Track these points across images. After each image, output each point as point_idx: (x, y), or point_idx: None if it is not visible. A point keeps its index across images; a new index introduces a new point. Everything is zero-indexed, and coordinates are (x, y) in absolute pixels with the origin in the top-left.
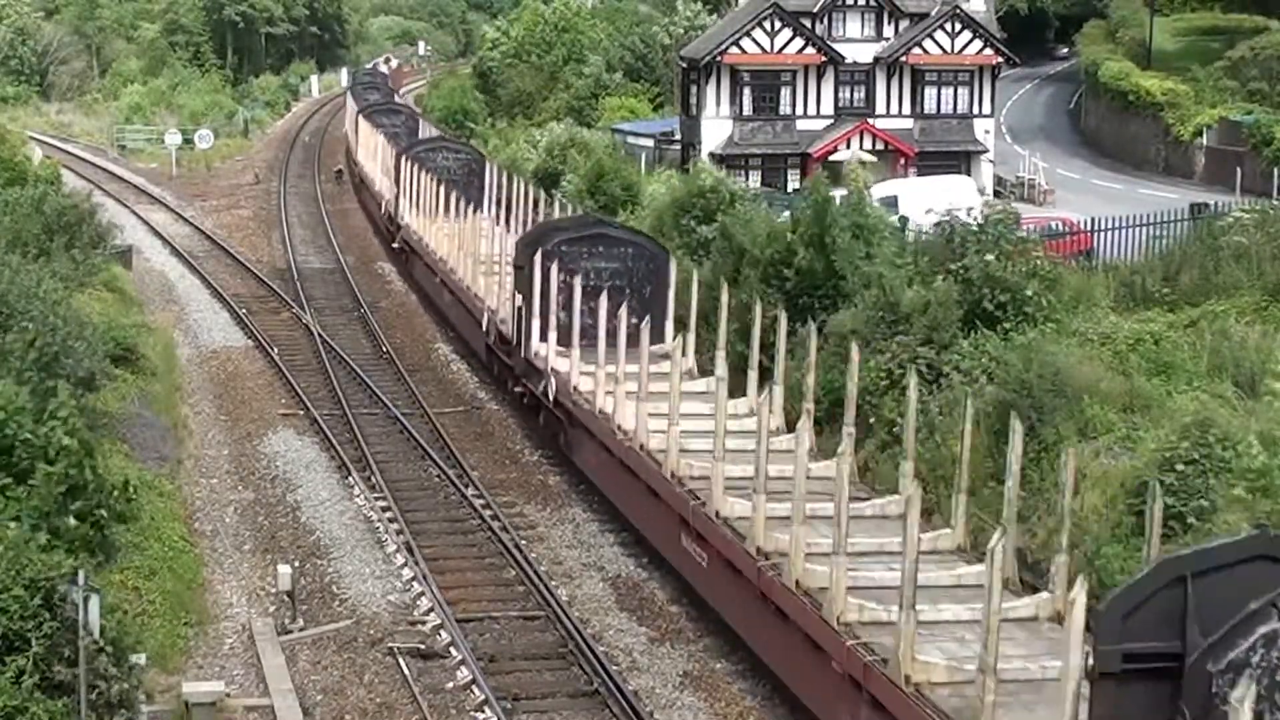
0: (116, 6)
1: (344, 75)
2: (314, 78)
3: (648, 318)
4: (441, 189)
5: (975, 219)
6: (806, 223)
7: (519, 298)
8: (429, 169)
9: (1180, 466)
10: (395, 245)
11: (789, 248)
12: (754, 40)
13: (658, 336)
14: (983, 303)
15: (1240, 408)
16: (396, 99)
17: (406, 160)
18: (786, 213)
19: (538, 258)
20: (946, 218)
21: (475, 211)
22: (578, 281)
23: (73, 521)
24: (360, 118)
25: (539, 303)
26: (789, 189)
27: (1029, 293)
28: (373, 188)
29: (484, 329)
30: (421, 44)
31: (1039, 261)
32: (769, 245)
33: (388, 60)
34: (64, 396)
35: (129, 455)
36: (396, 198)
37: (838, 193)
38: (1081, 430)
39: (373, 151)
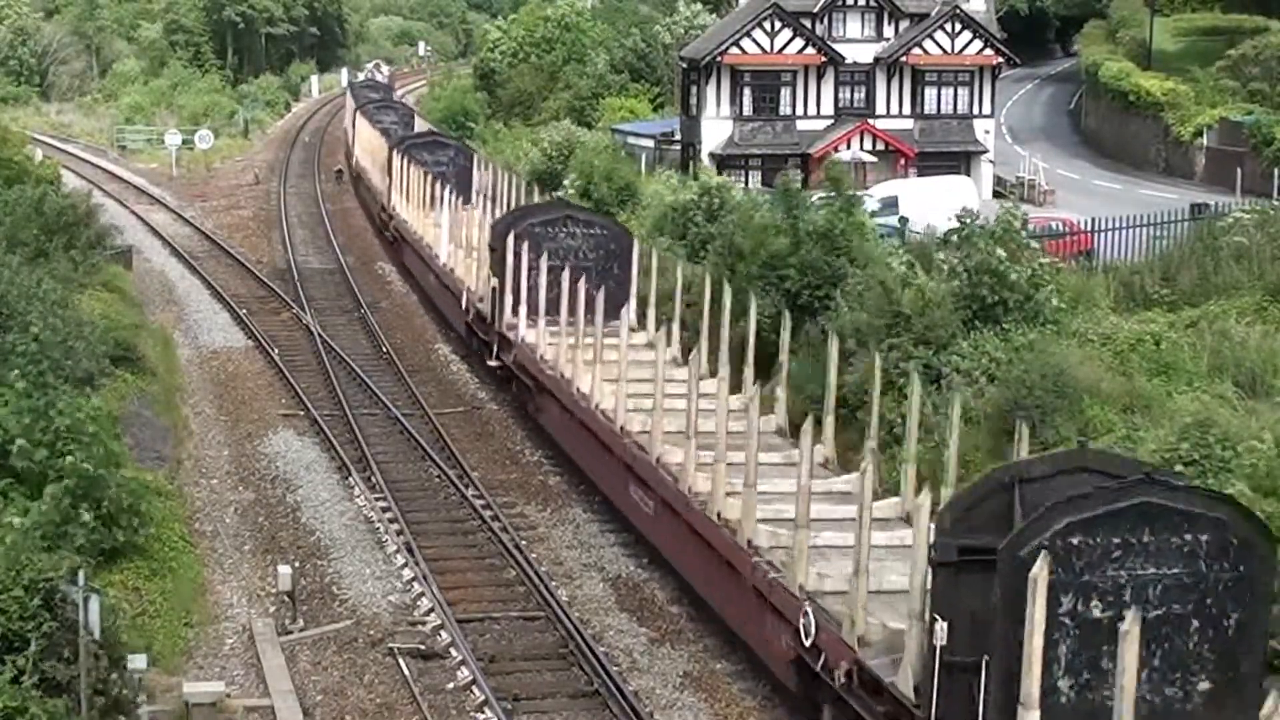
0: (116, 7)
1: (344, 75)
2: (314, 78)
3: None
4: (582, 289)
5: (986, 219)
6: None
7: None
8: (552, 251)
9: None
10: (496, 365)
11: (788, 243)
12: (754, 40)
13: None
14: (979, 290)
15: (1241, 407)
16: (422, 122)
17: (517, 239)
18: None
19: (1043, 580)
20: (961, 217)
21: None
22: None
23: (86, 521)
24: (399, 155)
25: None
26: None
27: (1039, 290)
28: (435, 261)
29: (807, 638)
30: (421, 44)
31: (1043, 266)
32: (765, 241)
33: (378, 66)
34: (82, 402)
35: (129, 455)
36: (498, 293)
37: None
38: (1082, 430)
39: (421, 202)
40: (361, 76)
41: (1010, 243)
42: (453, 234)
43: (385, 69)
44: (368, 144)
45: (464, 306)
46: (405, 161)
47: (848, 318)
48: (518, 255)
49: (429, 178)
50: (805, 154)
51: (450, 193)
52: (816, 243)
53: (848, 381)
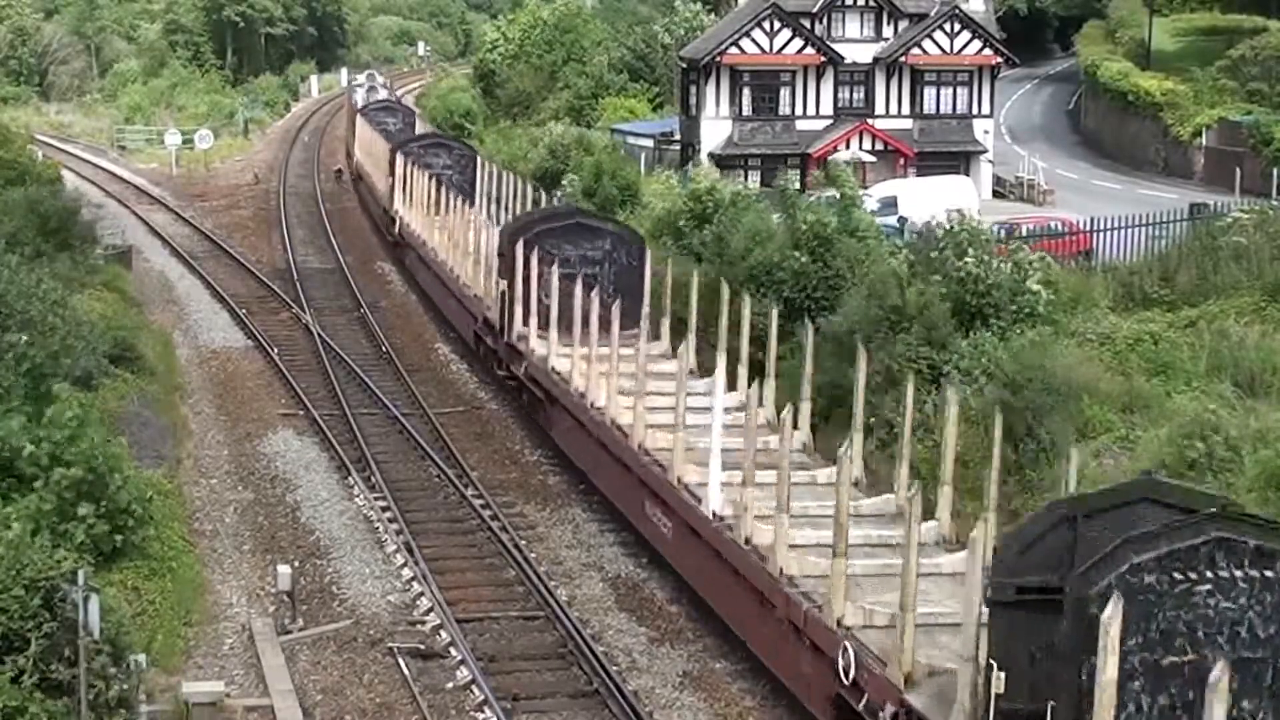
0: (116, 7)
1: (343, 75)
2: (314, 78)
3: None
4: None
5: (944, 226)
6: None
7: None
8: None
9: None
10: None
11: (781, 251)
12: (753, 40)
13: None
14: (966, 297)
15: (1240, 407)
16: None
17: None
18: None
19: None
20: (934, 222)
21: None
22: None
23: (89, 521)
24: (526, 248)
25: None
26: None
27: (1025, 285)
28: (658, 481)
29: None
30: (421, 44)
31: (1031, 264)
32: (758, 246)
33: (372, 76)
34: (72, 403)
35: (129, 455)
36: None
37: (828, 193)
38: (1081, 430)
39: (572, 329)
40: (360, 94)
41: (979, 246)
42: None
43: (380, 78)
44: (434, 210)
45: (781, 614)
46: (533, 256)
47: (842, 320)
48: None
49: (580, 286)
50: (805, 154)
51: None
52: (807, 246)
53: (845, 381)
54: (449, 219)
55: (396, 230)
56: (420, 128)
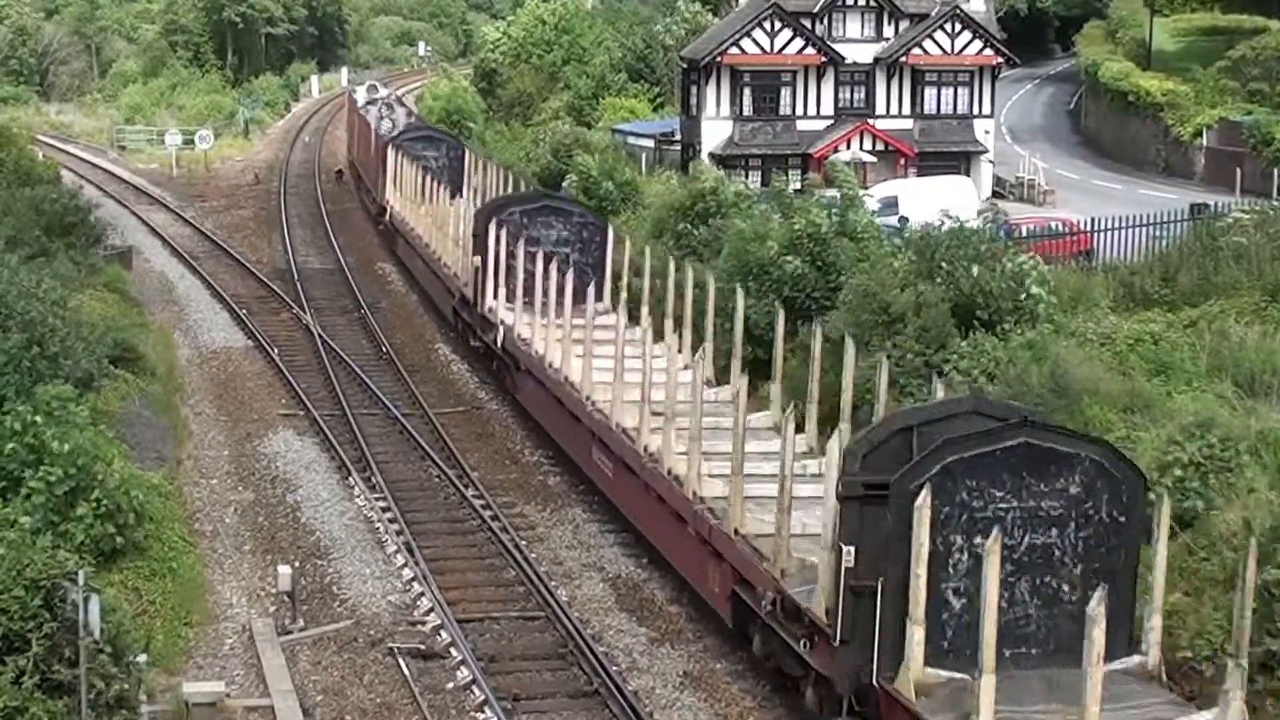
0: (116, 7)
1: (344, 75)
2: (314, 78)
3: None
4: None
5: (954, 224)
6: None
7: None
8: None
9: (1196, 470)
10: None
11: (781, 253)
12: (754, 40)
13: None
14: (975, 311)
15: (1240, 407)
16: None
17: None
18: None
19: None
20: (936, 222)
21: None
22: None
23: (89, 521)
24: (927, 494)
25: None
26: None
27: (1030, 291)
28: None
29: None
30: (421, 44)
31: (1029, 264)
32: (755, 247)
33: (373, 88)
34: (57, 398)
35: (129, 455)
36: None
37: (828, 193)
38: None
39: None
40: (373, 113)
41: (978, 250)
42: None
43: (382, 90)
44: (568, 313)
45: None
46: (988, 553)
47: (840, 320)
48: None
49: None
50: (805, 154)
51: None
52: (805, 249)
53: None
54: (620, 346)
55: (497, 342)
56: (468, 160)
